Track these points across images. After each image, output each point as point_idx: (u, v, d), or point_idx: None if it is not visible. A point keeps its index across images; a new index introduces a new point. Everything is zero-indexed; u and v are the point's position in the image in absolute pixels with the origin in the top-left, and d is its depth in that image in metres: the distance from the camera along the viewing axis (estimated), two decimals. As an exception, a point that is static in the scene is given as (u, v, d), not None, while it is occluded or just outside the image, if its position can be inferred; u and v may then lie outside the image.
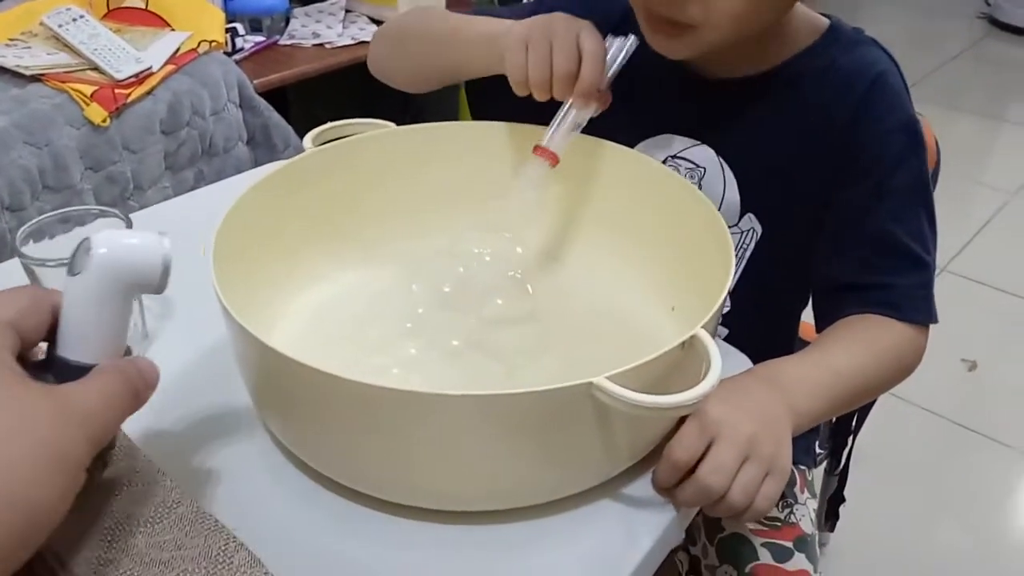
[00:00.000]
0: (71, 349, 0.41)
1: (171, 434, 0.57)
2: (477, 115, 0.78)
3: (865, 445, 1.57)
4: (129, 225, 0.62)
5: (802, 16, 0.71)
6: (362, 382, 0.45)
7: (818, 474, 1.04)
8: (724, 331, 0.78)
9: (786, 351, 0.66)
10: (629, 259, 0.69)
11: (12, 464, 0.35)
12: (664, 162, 0.73)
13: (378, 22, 1.66)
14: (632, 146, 0.72)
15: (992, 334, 1.84)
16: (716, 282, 0.55)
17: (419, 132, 0.71)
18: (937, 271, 2.06)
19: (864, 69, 0.69)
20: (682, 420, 0.55)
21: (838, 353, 0.66)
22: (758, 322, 0.77)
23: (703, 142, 0.73)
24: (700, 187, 0.72)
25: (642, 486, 0.56)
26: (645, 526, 0.53)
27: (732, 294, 0.76)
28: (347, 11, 1.69)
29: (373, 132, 0.70)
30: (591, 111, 0.65)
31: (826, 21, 0.73)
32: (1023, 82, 3.15)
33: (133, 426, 0.55)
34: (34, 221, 0.62)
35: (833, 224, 0.71)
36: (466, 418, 0.47)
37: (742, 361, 0.67)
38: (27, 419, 0.36)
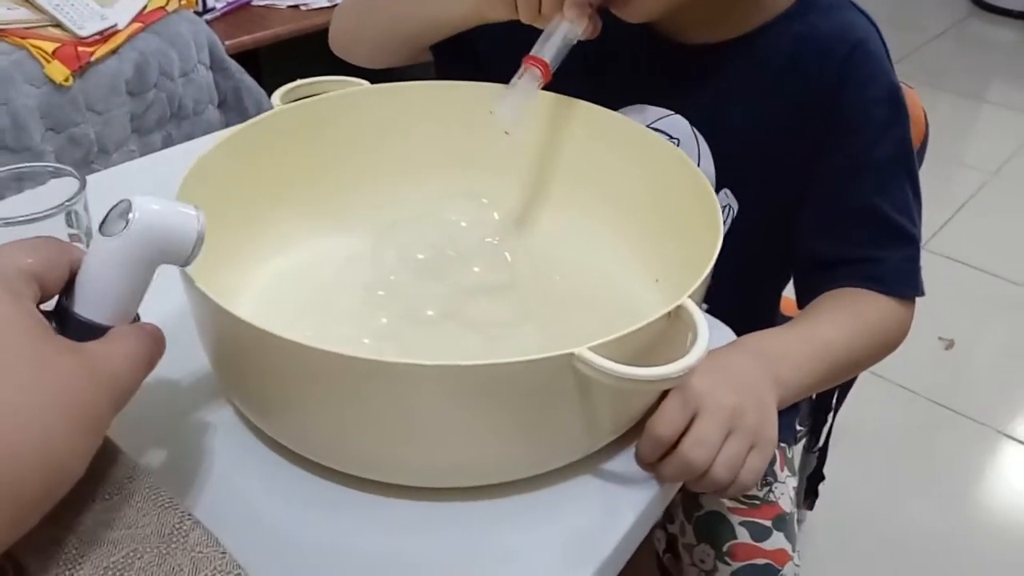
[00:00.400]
0: (89, 308, 0.41)
1: (128, 406, 0.54)
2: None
3: (843, 423, 1.57)
4: (83, 185, 0.58)
5: None
6: (330, 351, 0.42)
7: (797, 451, 1.03)
8: (704, 307, 0.76)
9: (767, 327, 0.64)
10: (611, 226, 0.67)
11: (44, 421, 0.34)
12: None
13: (355, -16, 1.61)
14: None
15: (970, 313, 1.84)
16: (702, 251, 0.53)
17: (395, 91, 0.67)
18: (918, 248, 1.99)
19: (844, 34, 0.66)
20: (664, 394, 0.52)
21: (825, 326, 0.64)
22: (737, 300, 0.75)
23: (677, 112, 0.70)
24: None
25: (624, 461, 0.53)
26: (627, 502, 0.51)
27: (714, 273, 0.74)
28: (324, -28, 1.64)
29: (346, 90, 0.67)
30: (580, 29, 0.61)
31: None
32: (1004, 62, 3.15)
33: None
34: (-13, 179, 0.59)
35: (815, 198, 0.69)
36: (442, 390, 0.44)
37: (726, 334, 0.65)
38: (58, 377, 0.36)
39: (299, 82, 0.66)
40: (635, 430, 0.53)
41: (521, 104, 0.60)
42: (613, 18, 0.64)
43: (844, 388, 1.03)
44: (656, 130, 0.70)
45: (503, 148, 0.67)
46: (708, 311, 0.74)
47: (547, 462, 0.51)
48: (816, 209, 0.69)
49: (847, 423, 1.55)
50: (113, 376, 0.38)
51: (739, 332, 0.64)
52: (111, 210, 0.42)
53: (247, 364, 0.50)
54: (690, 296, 0.48)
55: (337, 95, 0.66)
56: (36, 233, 0.55)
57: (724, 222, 0.70)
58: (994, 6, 3.41)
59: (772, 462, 0.84)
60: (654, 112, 0.71)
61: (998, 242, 2.06)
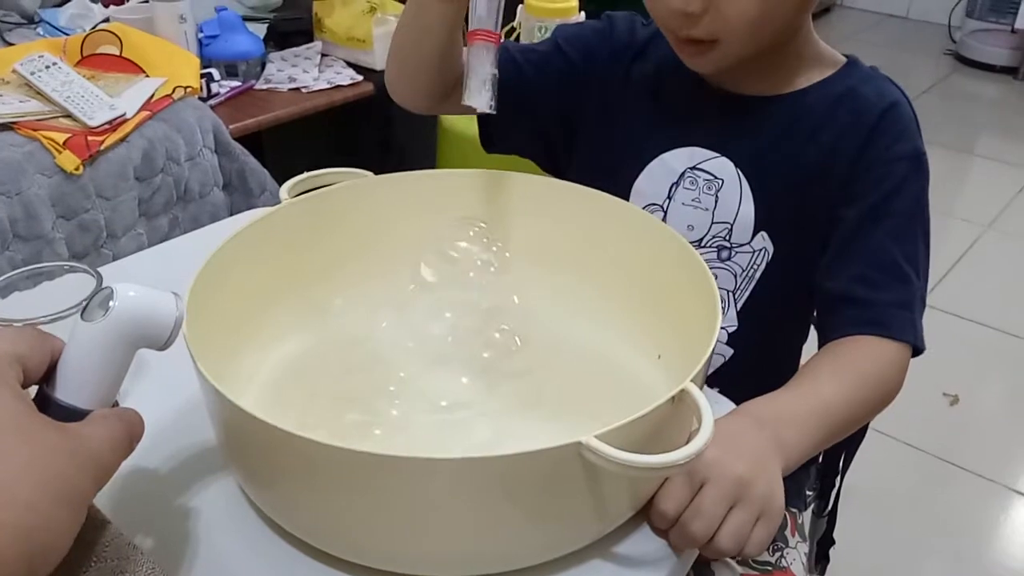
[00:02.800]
0: (70, 392, 0.42)
1: (144, 496, 0.55)
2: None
3: (851, 484, 1.56)
4: (99, 280, 0.60)
5: (823, 49, 0.75)
6: (339, 446, 0.43)
7: (807, 516, 1.02)
8: (729, 351, 0.78)
9: (788, 373, 0.66)
10: (615, 305, 0.68)
11: (28, 498, 0.35)
12: (684, 173, 0.76)
13: (354, 66, 1.66)
14: (657, 155, 0.76)
15: (972, 368, 1.84)
16: (702, 332, 0.54)
17: (398, 180, 0.70)
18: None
19: (879, 98, 0.72)
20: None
21: (824, 384, 0.66)
22: (763, 343, 0.78)
23: (723, 154, 0.74)
24: (717, 200, 0.74)
25: (636, 542, 0.54)
26: (639, 584, 0.52)
27: (740, 314, 0.77)
28: (323, 55, 1.69)
29: (350, 182, 0.69)
30: None
31: (844, 57, 0.76)
32: (989, 116, 3.21)
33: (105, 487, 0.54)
34: (2, 278, 0.61)
35: (835, 240, 0.72)
36: (451, 482, 0.45)
37: (725, 406, 0.66)
38: (42, 452, 0.37)
39: (305, 175, 0.68)
40: (646, 509, 0.54)
41: (486, 84, 0.64)
42: (675, 64, 0.71)
43: (850, 450, 1.03)
44: (702, 170, 0.75)
45: (509, 231, 0.70)
46: (734, 352, 0.78)
47: (559, 547, 0.52)
48: (834, 251, 0.72)
49: (855, 484, 1.54)
50: (94, 456, 0.39)
51: (762, 373, 0.67)
52: (92, 297, 0.44)
53: (259, 457, 0.51)
54: (692, 380, 0.49)
55: (342, 186, 0.68)
56: (57, 331, 0.57)
57: (759, 264, 0.75)
58: (976, 62, 3.49)
59: (783, 527, 0.84)
60: (702, 153, 0.75)
61: (996, 295, 2.08)
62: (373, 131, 1.62)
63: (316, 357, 0.66)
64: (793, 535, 0.84)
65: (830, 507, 1.05)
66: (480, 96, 0.64)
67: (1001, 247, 2.29)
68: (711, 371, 0.77)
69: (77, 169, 1.21)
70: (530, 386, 0.64)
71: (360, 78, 1.63)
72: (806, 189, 0.72)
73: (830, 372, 0.66)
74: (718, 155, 0.74)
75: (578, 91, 0.79)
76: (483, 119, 0.79)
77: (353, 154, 1.80)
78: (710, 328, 0.54)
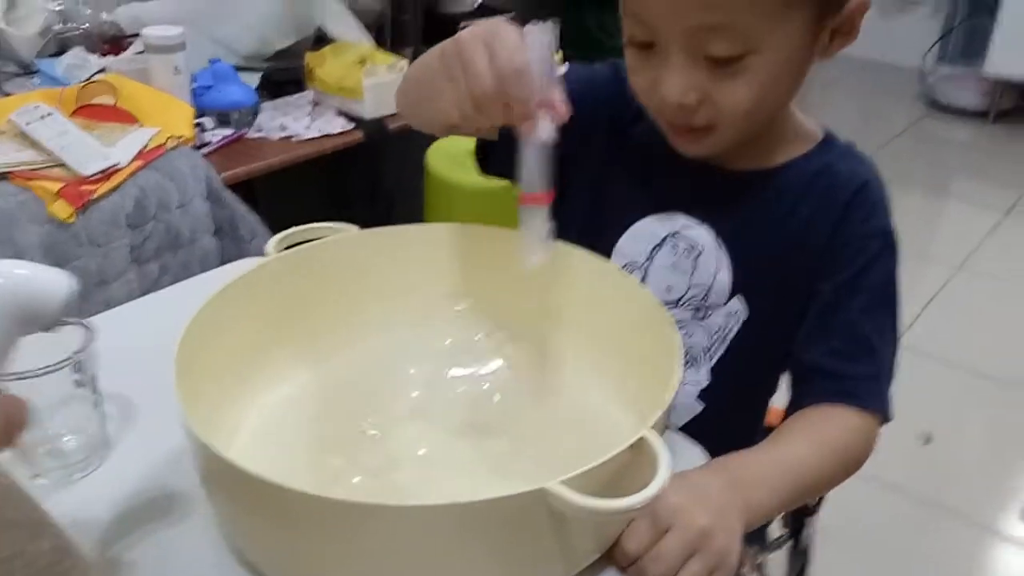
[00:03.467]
0: None
1: (133, 542, 0.58)
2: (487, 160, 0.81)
3: (825, 523, 1.59)
4: (89, 332, 0.63)
5: (801, 124, 0.78)
6: (313, 494, 0.46)
7: (782, 556, 1.05)
8: (700, 405, 0.81)
9: (753, 430, 0.68)
10: (590, 358, 0.71)
11: None
12: (666, 238, 0.79)
13: (345, 115, 1.70)
14: (641, 218, 0.79)
15: (945, 408, 1.88)
16: (666, 384, 0.58)
17: (380, 235, 0.73)
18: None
19: (853, 177, 0.75)
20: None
21: (795, 448, 0.69)
22: (733, 399, 0.81)
23: (704, 224, 0.77)
24: (695, 266, 0.78)
25: (601, 584, 0.57)
26: (604, 623, 0.55)
27: (713, 370, 0.80)
28: (315, 104, 1.73)
29: (335, 236, 0.73)
30: (550, 129, 0.63)
31: (821, 132, 0.79)
32: (961, 159, 3.31)
33: (90, 531, 0.56)
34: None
35: (811, 313, 0.76)
36: (421, 528, 0.48)
37: (698, 453, 0.70)
38: None
39: (292, 230, 0.72)
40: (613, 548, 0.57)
41: (540, 243, 0.66)
42: (663, 137, 0.73)
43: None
44: (684, 236, 0.78)
45: (486, 287, 0.73)
46: (705, 407, 0.81)
47: (525, 587, 0.55)
48: (809, 324, 0.76)
49: (829, 523, 1.57)
50: None
51: (729, 429, 0.70)
52: None
53: (237, 502, 0.54)
54: (652, 427, 0.52)
55: (327, 241, 0.72)
56: (46, 385, 0.60)
57: (733, 326, 0.78)
58: (948, 106, 3.59)
59: (740, 564, 0.87)
60: (685, 220, 0.78)
61: (967, 335, 2.13)
62: (362, 178, 1.66)
63: (302, 406, 0.69)
64: (752, 572, 0.87)
65: (804, 546, 1.08)
66: (537, 254, 0.65)
67: (972, 288, 2.34)
68: (683, 424, 0.80)
69: (70, 217, 1.24)
70: (507, 437, 0.67)
71: (350, 126, 1.68)
72: (783, 260, 0.75)
73: (803, 439, 0.70)
74: (700, 224, 0.77)
75: (579, 139, 0.80)
76: (481, 143, 0.80)
77: (343, 201, 1.84)
78: (671, 381, 0.57)
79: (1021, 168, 3.09)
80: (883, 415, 0.73)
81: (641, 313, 0.65)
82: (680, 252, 0.78)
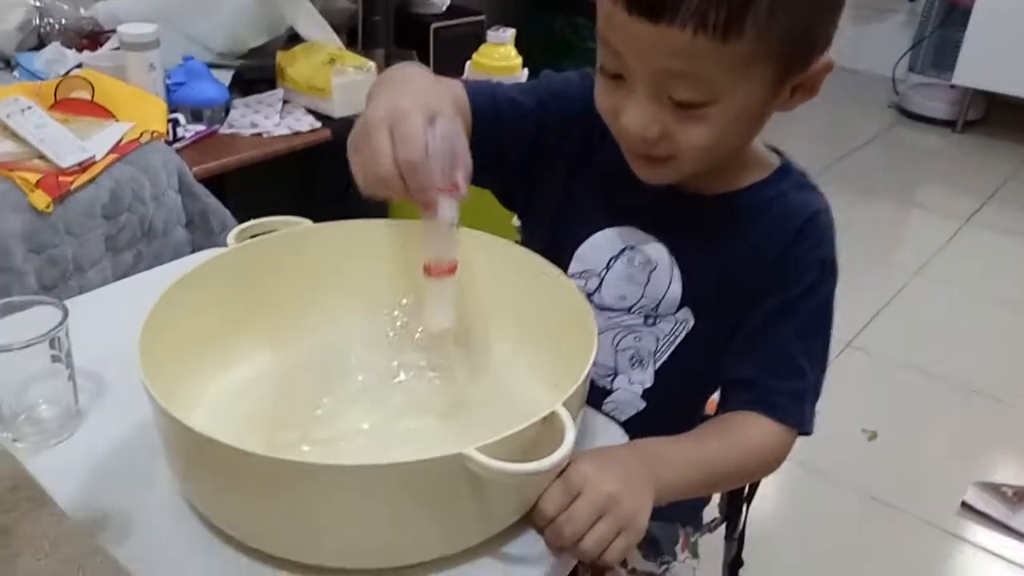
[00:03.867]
0: None
1: (102, 501, 0.64)
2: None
3: (768, 512, 1.68)
4: (66, 314, 0.69)
5: (759, 153, 0.82)
6: (258, 453, 0.52)
7: (718, 540, 1.12)
8: (642, 403, 0.87)
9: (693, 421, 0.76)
10: (523, 343, 0.78)
11: None
12: (623, 251, 0.83)
13: (314, 113, 1.76)
14: (602, 229, 0.83)
15: (892, 406, 1.96)
16: (584, 367, 0.64)
17: (332, 229, 0.80)
18: (841, 347, 2.23)
19: (804, 207, 0.79)
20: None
21: (710, 442, 0.76)
22: (673, 402, 0.87)
23: (661, 242, 0.82)
24: (649, 278, 0.82)
25: (520, 544, 0.64)
26: (523, 579, 0.61)
27: (658, 373, 0.85)
28: (285, 102, 1.79)
29: (290, 229, 0.79)
30: (452, 209, 0.67)
31: (778, 160, 0.83)
32: (927, 167, 3.39)
33: (64, 491, 0.62)
34: (-24, 309, 0.69)
35: (748, 326, 0.81)
36: (356, 486, 0.55)
37: (620, 434, 0.77)
38: None
39: (250, 223, 0.78)
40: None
41: (447, 311, 0.70)
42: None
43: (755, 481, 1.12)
44: (640, 251, 0.82)
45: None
46: (647, 406, 0.86)
47: (454, 544, 0.61)
48: (745, 335, 0.81)
49: (772, 512, 1.66)
50: None
51: (668, 428, 0.75)
52: None
53: (198, 465, 0.60)
54: (564, 404, 0.59)
55: (281, 234, 0.78)
56: (25, 358, 0.66)
57: (680, 333, 0.84)
58: (918, 115, 3.68)
59: (673, 542, 0.93)
60: (643, 236, 0.82)
61: (918, 339, 2.21)
62: (330, 174, 1.71)
63: (258, 386, 0.75)
64: (683, 551, 0.94)
65: (739, 530, 1.15)
66: (443, 322, 0.70)
67: (927, 293, 2.42)
68: (625, 419, 0.86)
69: (48, 207, 1.29)
70: (442, 413, 0.73)
71: (319, 125, 1.73)
72: (731, 279, 0.80)
73: (716, 435, 0.77)
74: (656, 241, 0.82)
75: (552, 146, 0.84)
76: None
77: (311, 195, 1.90)
78: (585, 366, 0.64)
79: (984, 177, 3.18)
80: (800, 429, 0.79)
81: (566, 306, 0.72)
82: (636, 265, 0.82)
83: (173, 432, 0.59)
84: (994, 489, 1.68)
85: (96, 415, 0.73)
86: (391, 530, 0.58)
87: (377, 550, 0.60)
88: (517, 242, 1.17)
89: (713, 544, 1.11)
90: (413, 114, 0.64)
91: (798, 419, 0.78)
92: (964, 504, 1.66)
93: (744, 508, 1.13)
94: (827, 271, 0.80)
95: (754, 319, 0.80)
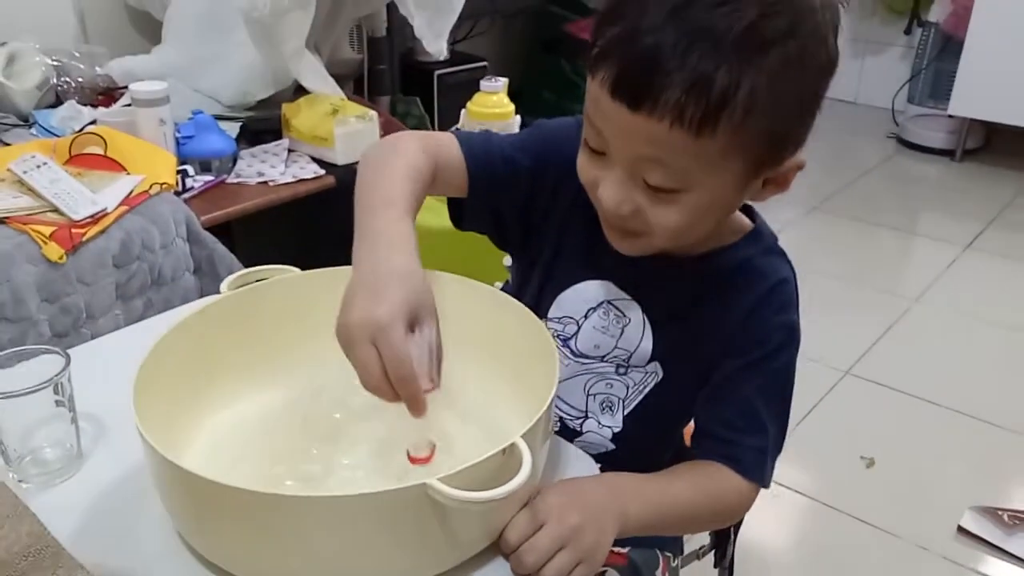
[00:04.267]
0: None
1: (101, 537, 0.69)
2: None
3: (764, 539, 1.70)
4: (68, 362, 0.75)
5: (732, 217, 0.85)
6: (236, 487, 0.57)
7: (707, 567, 1.15)
8: (611, 446, 0.92)
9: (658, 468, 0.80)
10: (494, 381, 0.83)
11: None
12: (600, 304, 0.88)
13: (318, 161, 1.83)
14: (584, 280, 0.88)
15: (890, 433, 1.98)
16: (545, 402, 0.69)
17: (319, 276, 0.85)
18: (840, 374, 2.26)
19: (770, 274, 0.83)
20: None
21: (678, 484, 0.80)
22: (640, 446, 0.91)
23: (635, 299, 0.86)
24: (622, 332, 0.87)
25: (489, 570, 0.68)
26: (492, 603, 0.66)
27: (627, 418, 0.90)
28: (290, 151, 1.86)
29: (280, 277, 0.85)
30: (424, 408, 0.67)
31: (751, 224, 0.86)
32: (928, 196, 3.43)
33: (66, 527, 0.67)
34: (-11, 360, 0.75)
35: (713, 382, 0.85)
36: (328, 515, 0.60)
37: (590, 465, 0.81)
38: None
39: (242, 272, 0.84)
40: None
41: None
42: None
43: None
44: (615, 307, 0.87)
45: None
46: (616, 448, 0.90)
47: (427, 570, 0.66)
48: (711, 391, 0.85)
49: (768, 538, 1.68)
50: None
51: (635, 469, 0.79)
52: None
53: (184, 499, 0.65)
54: (522, 436, 0.64)
55: (271, 282, 0.84)
56: (30, 404, 0.72)
57: (649, 383, 0.88)
58: (917, 144, 3.73)
59: (653, 567, 0.97)
60: (618, 293, 0.87)
61: (916, 365, 2.23)
62: (334, 220, 1.77)
63: (246, 424, 0.80)
64: (664, 574, 0.98)
65: (728, 558, 1.18)
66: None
67: (926, 320, 2.45)
68: (596, 454, 0.89)
69: (61, 258, 1.36)
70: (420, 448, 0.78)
71: (323, 172, 1.80)
72: (699, 337, 0.84)
73: (685, 479, 0.81)
74: (631, 300, 0.86)
75: (544, 202, 0.88)
76: (454, 201, 0.89)
77: (315, 240, 1.96)
78: (545, 403, 0.68)
79: (982, 205, 3.21)
80: (761, 484, 0.83)
81: (530, 340, 0.77)
82: (611, 319, 0.87)
83: (164, 470, 0.64)
84: (990, 513, 1.70)
85: (96, 456, 0.79)
86: (367, 557, 0.63)
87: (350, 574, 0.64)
88: (507, 282, 1.23)
89: (702, 570, 1.14)
90: (393, 327, 0.64)
91: (759, 474, 0.82)
92: (960, 528, 1.68)
93: (732, 535, 1.17)
94: (790, 336, 0.83)
95: (720, 375, 0.84)
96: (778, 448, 0.85)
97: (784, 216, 3.01)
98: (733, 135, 0.67)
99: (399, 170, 0.78)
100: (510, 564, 0.67)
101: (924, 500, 1.79)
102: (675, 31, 0.65)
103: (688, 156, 0.68)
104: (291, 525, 0.60)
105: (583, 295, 0.89)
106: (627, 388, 0.89)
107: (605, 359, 0.89)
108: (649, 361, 0.87)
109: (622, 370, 0.89)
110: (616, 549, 0.80)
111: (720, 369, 0.84)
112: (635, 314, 0.87)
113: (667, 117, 0.66)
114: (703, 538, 1.14)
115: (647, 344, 0.87)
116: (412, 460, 0.72)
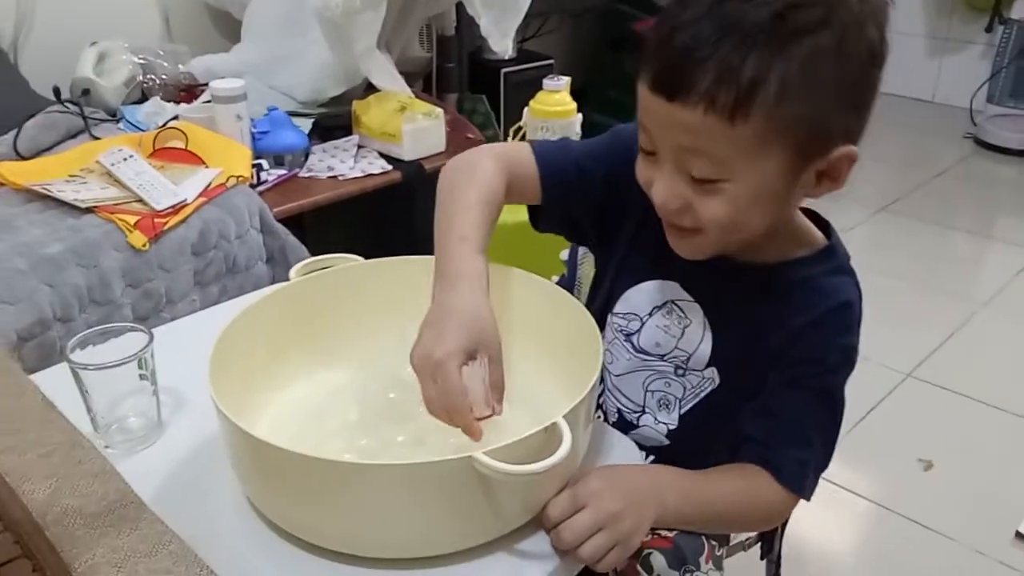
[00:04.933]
0: None
1: (178, 499, 0.76)
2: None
3: (818, 537, 1.70)
4: (151, 339, 0.81)
5: (803, 229, 0.86)
6: (302, 453, 0.63)
7: (754, 559, 1.17)
8: (665, 441, 0.94)
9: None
10: (542, 364, 0.87)
11: None
12: (664, 303, 0.90)
13: (386, 157, 1.90)
14: (652, 279, 0.90)
15: (950, 437, 1.96)
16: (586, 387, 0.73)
17: (380, 265, 0.91)
18: (902, 376, 2.24)
19: (838, 293, 0.83)
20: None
21: (717, 485, 0.83)
22: (693, 446, 0.93)
23: (697, 301, 0.88)
24: (683, 333, 0.89)
25: (532, 542, 0.72)
26: (534, 573, 0.70)
27: (682, 417, 0.92)
28: (359, 147, 1.93)
29: (345, 265, 0.90)
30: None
31: (825, 241, 0.86)
32: (1004, 198, 3.34)
33: (146, 489, 0.74)
34: (80, 335, 0.82)
35: (766, 391, 0.86)
36: (381, 483, 0.65)
37: (628, 445, 0.86)
38: None
39: (309, 260, 0.90)
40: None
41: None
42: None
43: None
44: (678, 307, 0.89)
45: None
46: (668, 445, 0.93)
47: (472, 539, 0.70)
48: (760, 400, 0.86)
49: (822, 538, 1.68)
50: None
51: (686, 466, 0.82)
52: None
53: (256, 467, 0.71)
54: (564, 416, 0.68)
55: (336, 270, 0.90)
56: (117, 376, 0.79)
57: (705, 388, 0.91)
58: (995, 146, 3.63)
59: (698, 554, 1.00)
60: (683, 294, 0.89)
61: (981, 369, 2.19)
62: (400, 213, 1.84)
63: (310, 399, 0.86)
64: (707, 562, 1.00)
65: (775, 551, 1.20)
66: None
67: (992, 325, 2.39)
68: (650, 447, 0.94)
69: (144, 246, 1.45)
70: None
71: (390, 167, 1.87)
72: (757, 348, 0.85)
73: (725, 479, 0.83)
74: (693, 301, 0.88)
75: (618, 208, 0.90)
76: (533, 205, 0.92)
77: (382, 232, 2.04)
78: (588, 386, 0.72)
79: (1062, 208, 3.13)
80: (800, 495, 0.84)
81: (579, 331, 0.82)
82: (673, 318, 0.89)
83: (236, 438, 0.70)
84: (1052, 521, 1.67)
85: (175, 426, 0.85)
86: (416, 523, 0.68)
87: (405, 542, 0.69)
88: (563, 275, 1.27)
89: (749, 561, 1.16)
90: (448, 364, 0.70)
91: (799, 486, 0.84)
92: (1018, 534, 1.65)
93: (779, 528, 1.18)
94: (846, 358, 0.84)
95: (770, 387, 0.85)
96: (822, 465, 0.86)
97: (854, 216, 2.98)
98: (768, 121, 0.69)
99: (474, 197, 0.83)
100: (550, 539, 0.71)
101: (983, 505, 1.76)
102: (709, 25, 0.68)
103: (725, 143, 0.70)
104: (348, 491, 0.66)
105: (649, 293, 0.91)
106: (684, 389, 0.92)
107: (665, 358, 0.91)
108: (707, 366, 0.89)
109: (680, 372, 0.91)
110: (663, 532, 0.83)
111: (772, 379, 0.85)
112: (696, 316, 0.89)
113: (700, 104, 0.68)
114: (750, 530, 1.16)
115: (706, 348, 0.89)
116: (477, 418, 0.76)
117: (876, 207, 3.10)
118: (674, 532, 0.94)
